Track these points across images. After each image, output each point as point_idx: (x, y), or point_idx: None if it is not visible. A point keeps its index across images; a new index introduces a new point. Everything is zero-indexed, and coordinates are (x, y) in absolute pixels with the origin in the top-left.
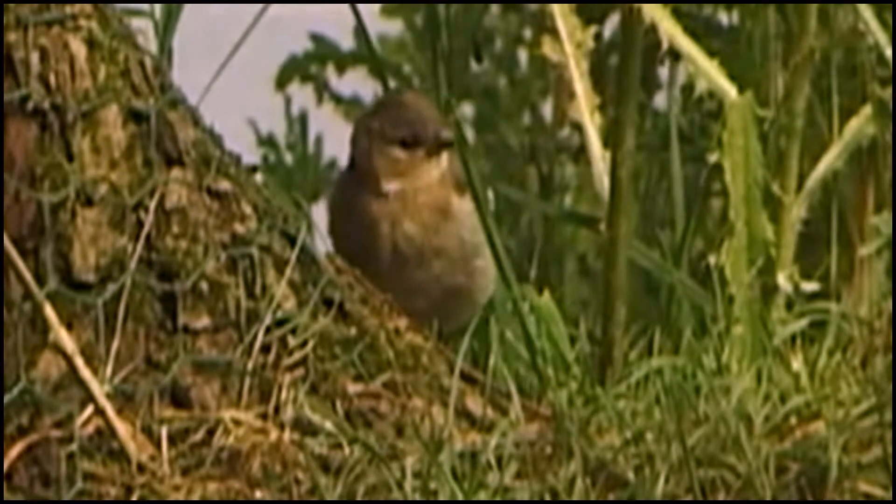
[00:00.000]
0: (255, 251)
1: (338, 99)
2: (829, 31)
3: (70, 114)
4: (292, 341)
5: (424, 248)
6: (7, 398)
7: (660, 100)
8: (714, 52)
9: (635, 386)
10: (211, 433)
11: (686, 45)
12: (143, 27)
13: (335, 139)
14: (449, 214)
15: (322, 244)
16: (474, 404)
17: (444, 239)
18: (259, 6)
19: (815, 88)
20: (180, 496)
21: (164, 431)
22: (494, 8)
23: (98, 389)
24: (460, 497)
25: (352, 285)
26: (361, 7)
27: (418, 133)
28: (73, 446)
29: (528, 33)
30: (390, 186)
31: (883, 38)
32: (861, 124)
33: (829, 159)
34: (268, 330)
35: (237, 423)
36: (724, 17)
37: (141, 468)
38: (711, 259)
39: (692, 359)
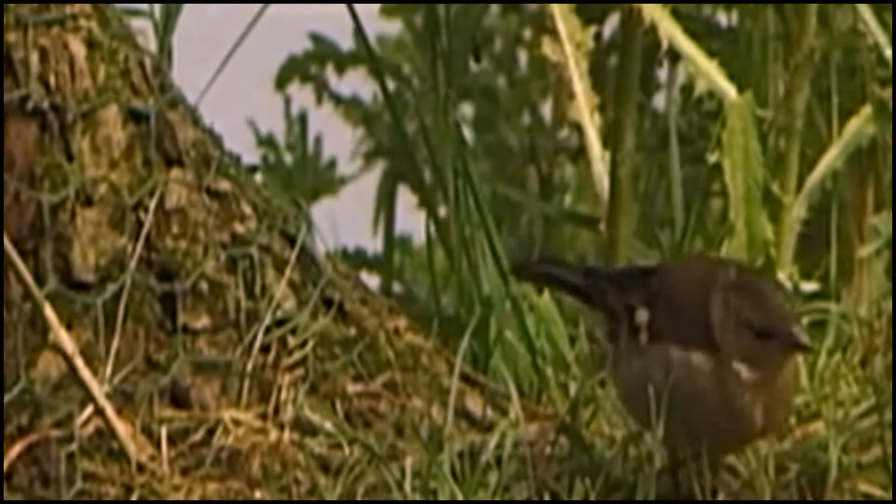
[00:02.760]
0: (254, 251)
1: (337, 99)
2: (829, 32)
3: (70, 114)
4: (292, 341)
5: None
6: (7, 398)
7: (659, 100)
8: (713, 53)
9: None
10: (210, 433)
11: (685, 45)
12: (143, 27)
13: (335, 139)
14: (790, 406)
15: (322, 244)
16: (474, 404)
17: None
18: (258, 6)
19: (815, 89)
20: (180, 496)
21: (163, 431)
22: (494, 8)
23: (98, 389)
24: (460, 497)
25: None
26: (361, 7)
27: (776, 328)
28: (73, 446)
29: (527, 33)
30: (741, 368)
31: (882, 39)
32: (860, 124)
33: (829, 159)
34: (267, 330)
35: (237, 423)
36: (723, 17)
37: (141, 468)
38: None
39: None
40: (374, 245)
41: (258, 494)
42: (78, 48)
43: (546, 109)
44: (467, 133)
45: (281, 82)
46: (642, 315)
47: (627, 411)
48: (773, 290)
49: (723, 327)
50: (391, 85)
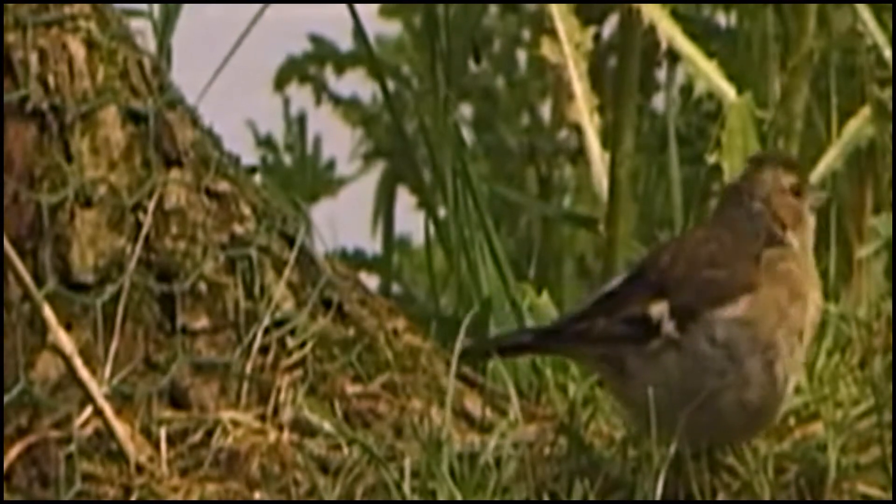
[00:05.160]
0: (253, 252)
1: (336, 100)
2: (828, 33)
3: (69, 114)
4: (291, 342)
5: None
6: (6, 399)
7: (658, 101)
8: (713, 54)
9: None
10: (210, 434)
11: (685, 46)
12: (142, 28)
13: (334, 140)
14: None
15: (321, 245)
16: (473, 405)
17: None
18: (257, 7)
19: (814, 90)
20: (179, 497)
21: (162, 432)
22: (493, 9)
23: (97, 390)
24: (459, 498)
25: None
26: (360, 8)
27: (806, 183)
28: (72, 447)
29: (526, 34)
30: (792, 240)
31: (881, 39)
32: (860, 125)
33: (828, 160)
34: (266, 331)
35: (236, 424)
36: (722, 18)
37: (140, 469)
38: None
39: None
40: (373, 246)
41: (257, 495)
42: (77, 49)
43: (545, 110)
44: (466, 134)
45: (280, 83)
46: (657, 309)
47: (663, 413)
48: (788, 154)
49: (769, 204)
50: (390, 85)
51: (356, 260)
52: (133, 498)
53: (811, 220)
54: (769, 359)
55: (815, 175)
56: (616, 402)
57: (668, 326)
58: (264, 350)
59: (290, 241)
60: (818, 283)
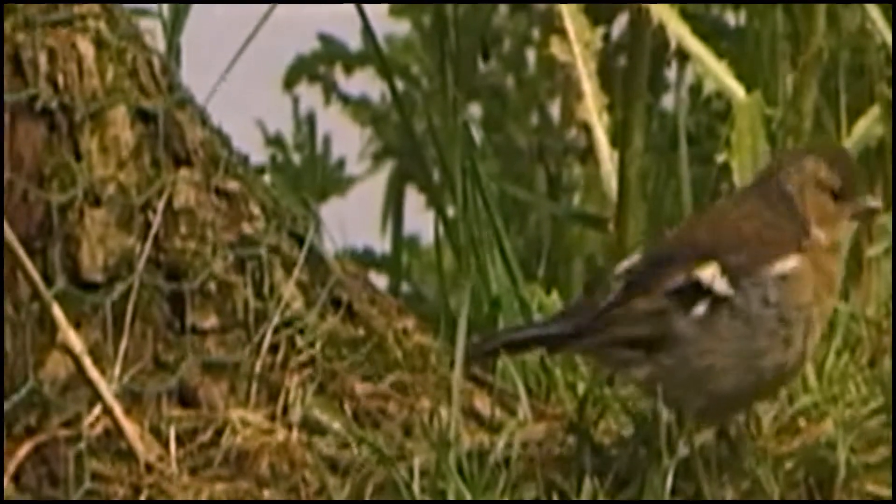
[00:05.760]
0: (263, 251)
1: (346, 99)
2: (837, 32)
3: (78, 114)
4: (300, 341)
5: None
6: (15, 398)
7: (668, 100)
8: (722, 53)
9: None
10: (219, 433)
11: (694, 45)
12: (151, 27)
13: (343, 139)
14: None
15: (330, 244)
16: (482, 404)
17: None
18: (266, 6)
19: (823, 89)
20: (188, 496)
21: (172, 431)
22: (503, 8)
23: (106, 389)
24: (468, 497)
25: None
26: (369, 7)
27: (850, 189)
28: (81, 446)
29: (536, 33)
30: (818, 234)
31: (890, 38)
32: (869, 124)
33: None
34: (276, 330)
35: (245, 423)
36: (731, 17)
37: (149, 468)
38: None
39: None
40: (382, 245)
41: (267, 494)
42: (86, 48)
43: (554, 109)
44: (475, 133)
45: (289, 82)
46: (707, 272)
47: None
48: (844, 153)
49: (801, 194)
50: (400, 85)
51: (365, 259)
52: (142, 497)
53: (847, 225)
54: (807, 319)
55: None
56: (640, 388)
57: (721, 285)
58: (274, 349)
59: (300, 241)
60: (837, 288)
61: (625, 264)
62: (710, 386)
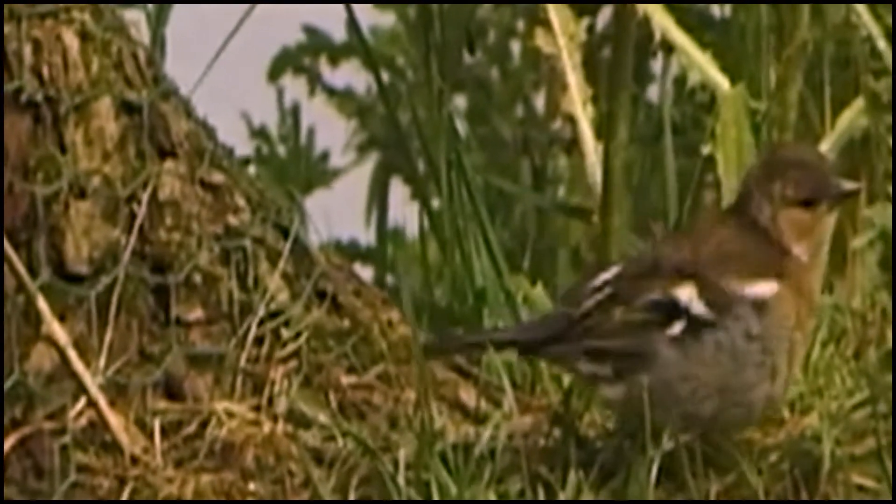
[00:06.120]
0: (248, 243)
1: (330, 91)
2: (822, 24)
3: (63, 106)
4: (286, 333)
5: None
6: None
7: (652, 92)
8: (707, 44)
9: None
10: (204, 425)
11: (679, 37)
12: (136, 19)
13: (328, 131)
14: None
15: (315, 236)
16: (468, 396)
17: None
18: None
19: (808, 80)
20: (173, 488)
21: (157, 423)
22: None
23: (91, 381)
24: (453, 489)
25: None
26: None
27: (821, 190)
28: (66, 438)
29: (520, 25)
30: (799, 251)
31: (875, 30)
32: (854, 116)
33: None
34: (261, 322)
35: (230, 415)
36: (716, 9)
37: (134, 460)
38: None
39: None
40: (367, 237)
41: (252, 486)
42: (71, 40)
43: (539, 101)
44: (460, 125)
45: (274, 74)
46: (686, 293)
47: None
48: (809, 155)
49: (774, 221)
50: (385, 77)
51: (350, 251)
52: (127, 489)
53: (828, 221)
54: (790, 348)
55: None
56: (609, 407)
57: (699, 307)
58: (259, 341)
59: (285, 233)
60: (817, 306)
61: (602, 276)
62: (692, 409)
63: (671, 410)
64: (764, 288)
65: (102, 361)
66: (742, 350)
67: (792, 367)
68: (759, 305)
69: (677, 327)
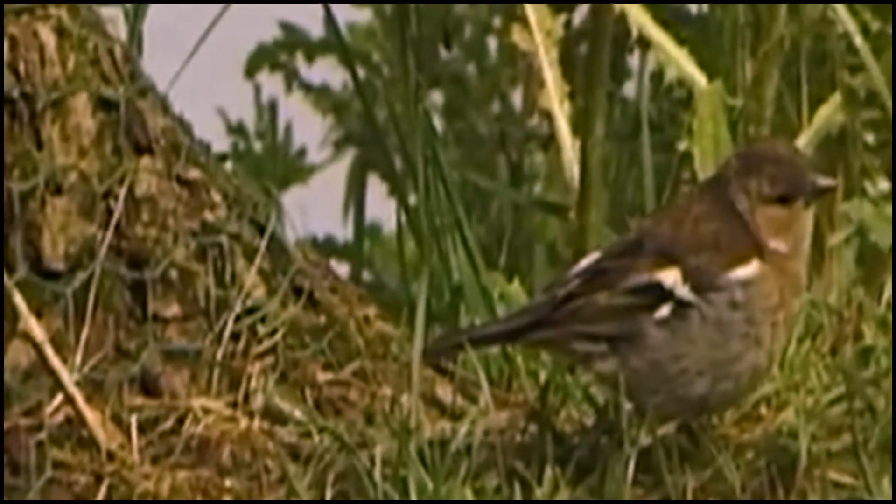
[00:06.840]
0: (224, 239)
1: (307, 87)
2: (799, 20)
3: (40, 102)
4: (262, 330)
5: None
6: None
7: (629, 88)
8: (683, 41)
9: None
10: (181, 421)
11: (655, 33)
12: (113, 15)
13: (305, 127)
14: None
15: (292, 232)
16: (444, 392)
17: None
18: None
19: (785, 76)
20: (150, 484)
21: (133, 420)
22: None
23: (67, 378)
24: (430, 484)
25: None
26: None
27: (797, 186)
28: (43, 434)
29: (497, 21)
30: (777, 246)
31: (852, 27)
32: (830, 112)
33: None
34: (237, 318)
35: (207, 411)
36: (693, 5)
37: (110, 456)
38: None
39: None
40: (344, 233)
41: (228, 482)
42: (48, 36)
43: (516, 97)
44: (437, 121)
45: (251, 70)
46: (670, 277)
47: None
48: (784, 151)
49: (752, 214)
50: (361, 73)
51: (327, 247)
52: (104, 485)
53: (807, 216)
54: (773, 322)
55: None
56: (605, 382)
57: (683, 291)
58: (235, 337)
59: (261, 229)
60: (802, 289)
61: (583, 264)
62: (682, 391)
63: (661, 392)
64: (747, 269)
65: (79, 358)
66: (727, 320)
67: (774, 343)
68: (744, 283)
69: (665, 310)
